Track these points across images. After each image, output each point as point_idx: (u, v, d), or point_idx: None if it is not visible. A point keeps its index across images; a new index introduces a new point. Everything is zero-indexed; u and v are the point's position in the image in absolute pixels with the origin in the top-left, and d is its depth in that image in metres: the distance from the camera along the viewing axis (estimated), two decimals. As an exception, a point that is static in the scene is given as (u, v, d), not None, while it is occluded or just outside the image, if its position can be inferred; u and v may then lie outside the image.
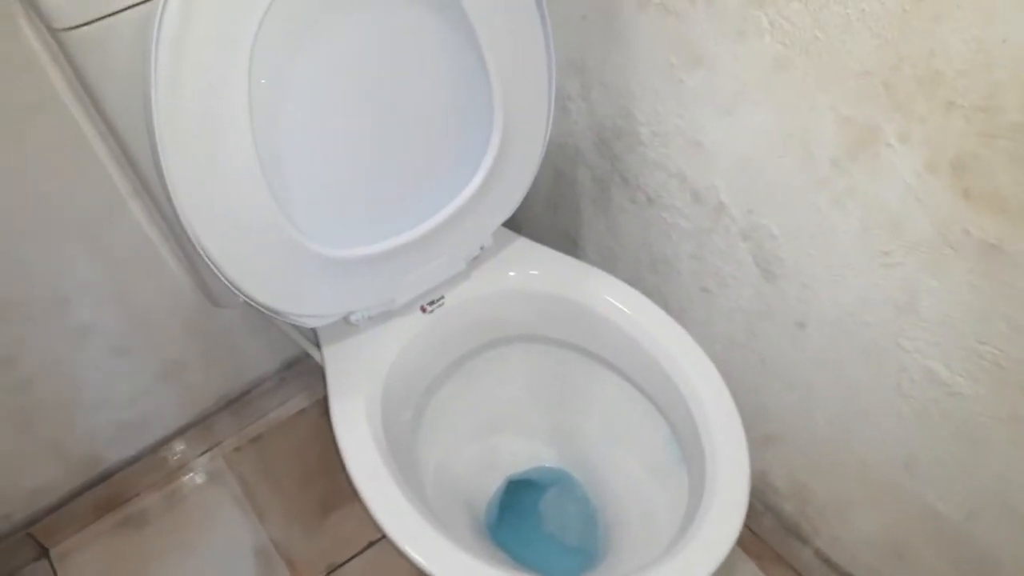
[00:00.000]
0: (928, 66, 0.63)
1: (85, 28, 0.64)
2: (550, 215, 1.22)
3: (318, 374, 0.96)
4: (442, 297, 0.94)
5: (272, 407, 1.33)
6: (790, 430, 1.00)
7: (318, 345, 0.92)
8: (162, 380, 1.17)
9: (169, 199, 0.68)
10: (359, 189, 0.82)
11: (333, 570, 1.16)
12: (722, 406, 0.82)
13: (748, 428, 1.05)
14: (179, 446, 1.26)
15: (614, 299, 0.92)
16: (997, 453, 0.77)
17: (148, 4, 0.66)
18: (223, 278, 0.75)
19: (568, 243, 1.21)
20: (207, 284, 0.91)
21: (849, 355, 0.86)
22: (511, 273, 0.96)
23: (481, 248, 0.95)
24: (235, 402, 1.28)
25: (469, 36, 0.77)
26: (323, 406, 1.34)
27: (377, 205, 0.84)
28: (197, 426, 1.26)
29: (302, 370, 1.32)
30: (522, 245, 0.99)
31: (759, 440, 1.06)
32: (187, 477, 1.27)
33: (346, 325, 0.90)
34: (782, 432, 1.02)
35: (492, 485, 1.04)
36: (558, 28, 0.94)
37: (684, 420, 0.84)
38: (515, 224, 1.28)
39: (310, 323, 0.87)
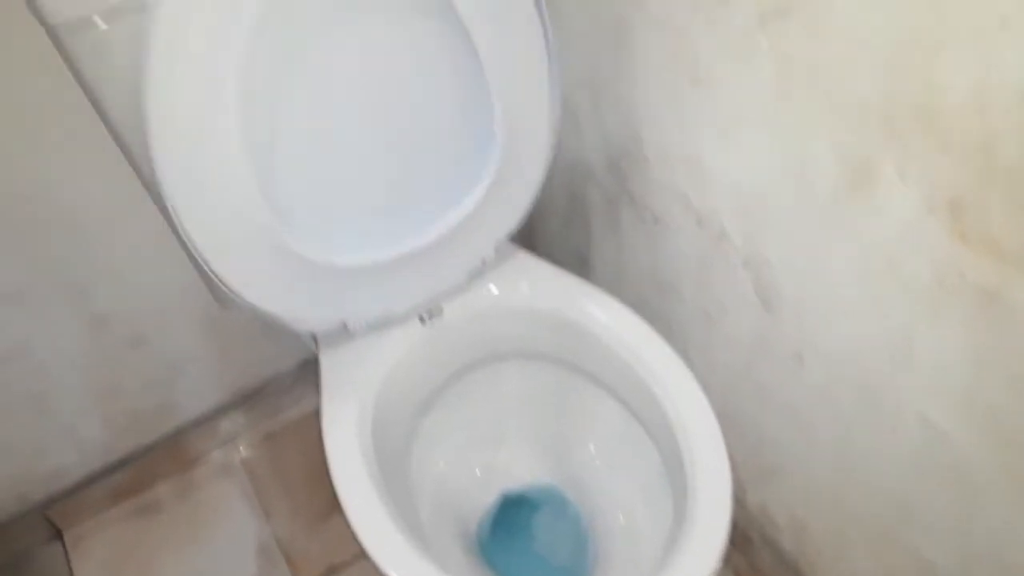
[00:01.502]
0: (927, 102, 0.61)
1: (81, 26, 0.66)
2: (564, 233, 1.22)
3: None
4: (441, 309, 0.95)
5: (286, 406, 1.35)
6: (789, 464, 0.97)
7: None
8: (178, 372, 1.20)
9: (164, 200, 0.70)
10: (358, 198, 0.83)
11: (332, 571, 1.18)
12: (708, 434, 0.80)
13: (748, 459, 1.04)
14: (194, 438, 1.29)
15: (611, 320, 0.91)
16: (991, 506, 0.73)
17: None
18: (219, 283, 0.77)
19: (579, 261, 1.20)
20: (210, 283, 0.93)
21: (845, 392, 0.83)
22: (511, 288, 0.96)
23: (483, 261, 0.95)
24: (250, 398, 1.31)
25: (469, 48, 0.77)
26: (336, 407, 1.36)
27: (376, 214, 0.84)
28: (212, 420, 1.29)
29: (317, 370, 1.34)
30: (524, 260, 0.98)
31: (759, 472, 1.03)
32: (200, 469, 1.30)
33: (344, 331, 0.91)
34: (781, 465, 0.99)
35: (487, 500, 1.04)
36: (566, 45, 0.93)
37: (670, 445, 0.83)
38: (529, 240, 1.28)
39: (305, 328, 0.89)
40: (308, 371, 1.34)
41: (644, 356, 0.87)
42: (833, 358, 0.83)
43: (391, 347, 0.92)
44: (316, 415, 1.35)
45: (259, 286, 0.80)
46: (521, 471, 1.05)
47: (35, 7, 0.64)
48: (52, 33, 0.65)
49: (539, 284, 0.96)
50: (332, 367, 0.91)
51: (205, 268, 0.76)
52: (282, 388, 1.33)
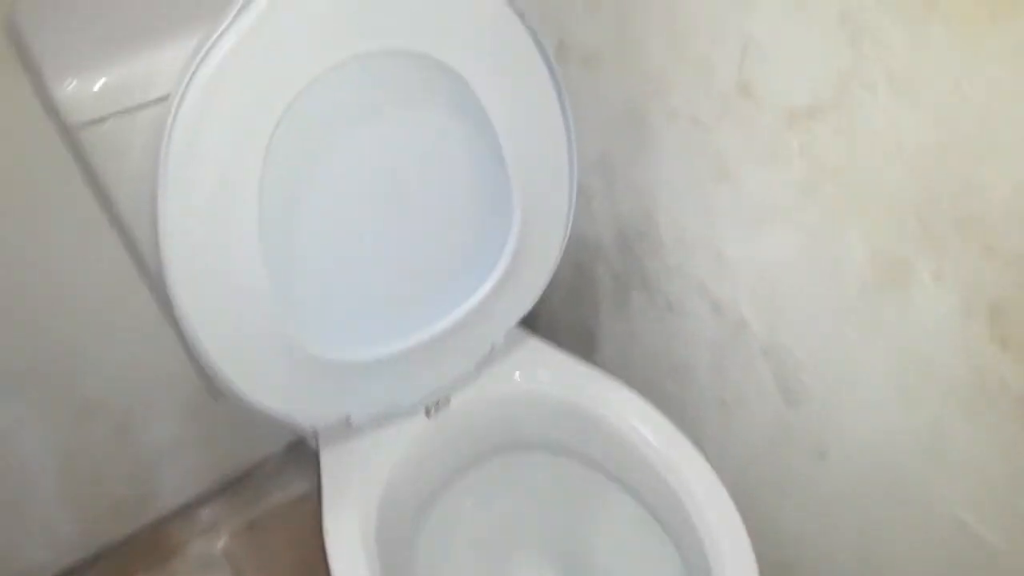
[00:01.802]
0: (967, 206, 0.60)
1: (101, 125, 0.63)
2: (568, 309, 1.19)
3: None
4: (448, 399, 0.91)
5: (273, 491, 1.28)
6: (807, 559, 0.94)
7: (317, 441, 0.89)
8: (161, 460, 1.14)
9: (169, 299, 0.66)
10: (370, 291, 0.79)
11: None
12: (738, 547, 0.77)
13: (763, 552, 1.00)
14: (175, 527, 1.22)
15: (630, 414, 0.87)
16: (1033, 615, 0.71)
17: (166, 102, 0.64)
18: (222, 381, 0.73)
19: (585, 339, 1.17)
20: (208, 380, 0.88)
21: (872, 491, 0.81)
22: (521, 376, 0.93)
23: (492, 348, 0.91)
24: (235, 484, 1.25)
25: (490, 137, 0.75)
26: (324, 491, 1.30)
27: (388, 306, 0.81)
28: (195, 507, 1.23)
29: (306, 453, 1.28)
30: (535, 346, 0.95)
31: (775, 566, 1.00)
32: (179, 561, 1.22)
33: (346, 425, 0.87)
34: (799, 560, 0.96)
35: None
36: (588, 126, 0.92)
37: (696, 554, 0.79)
38: (532, 316, 1.24)
39: (307, 424, 0.84)
40: (295, 454, 1.28)
41: (668, 456, 0.84)
42: (859, 453, 0.80)
43: (395, 442, 0.88)
44: (302, 501, 1.30)
45: (266, 386, 0.75)
46: (530, 573, 1.00)
47: (54, 106, 0.60)
48: (67, 129, 0.62)
49: (550, 372, 0.93)
50: (333, 465, 0.86)
51: (208, 368, 0.72)
52: (268, 473, 1.27)
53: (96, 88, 0.60)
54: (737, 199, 0.79)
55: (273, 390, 0.77)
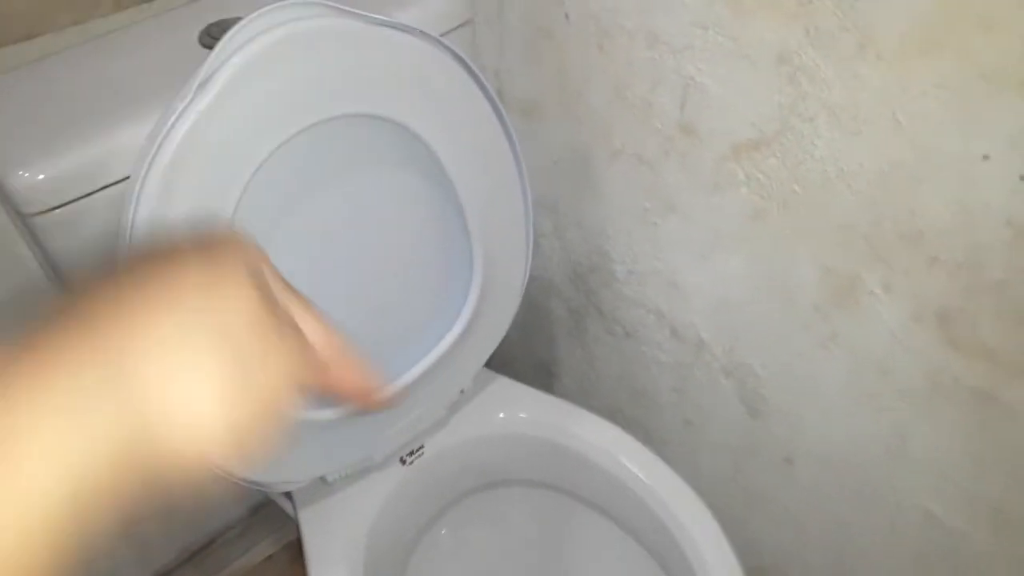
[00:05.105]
0: (910, 224, 0.64)
1: (55, 211, 0.62)
2: (523, 343, 1.21)
3: (285, 517, 0.91)
4: (421, 447, 0.91)
5: (237, 556, 1.25)
6: (782, 566, 0.98)
7: (291, 500, 0.88)
8: (119, 535, 1.10)
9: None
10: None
11: None
12: (724, 563, 0.80)
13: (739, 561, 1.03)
14: (136, 607, 1.17)
15: (606, 443, 0.89)
16: (1000, 595, 0.76)
17: (122, 184, 0.63)
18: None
19: (543, 371, 1.19)
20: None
21: (839, 493, 0.85)
22: (493, 416, 0.94)
23: (461, 392, 0.92)
24: (198, 554, 1.20)
25: (448, 193, 0.77)
26: (291, 551, 1.27)
27: (357, 363, 0.81)
28: (158, 582, 1.18)
29: (269, 514, 1.25)
30: (503, 385, 0.96)
31: (750, 571, 1.03)
32: (146, 639, 1.18)
33: (322, 484, 0.86)
34: (774, 566, 0.99)
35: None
36: (531, 172, 0.94)
37: (684, 574, 0.81)
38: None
39: (283, 489, 0.83)
40: (258, 517, 1.25)
41: (641, 476, 0.86)
42: (825, 459, 0.84)
43: (373, 494, 0.87)
44: (269, 562, 1.27)
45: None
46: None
47: (9, 198, 0.59)
48: (24, 222, 0.60)
49: (521, 408, 0.94)
50: (313, 523, 0.85)
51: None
52: (231, 539, 1.24)
53: (49, 178, 0.59)
54: (686, 229, 0.83)
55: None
